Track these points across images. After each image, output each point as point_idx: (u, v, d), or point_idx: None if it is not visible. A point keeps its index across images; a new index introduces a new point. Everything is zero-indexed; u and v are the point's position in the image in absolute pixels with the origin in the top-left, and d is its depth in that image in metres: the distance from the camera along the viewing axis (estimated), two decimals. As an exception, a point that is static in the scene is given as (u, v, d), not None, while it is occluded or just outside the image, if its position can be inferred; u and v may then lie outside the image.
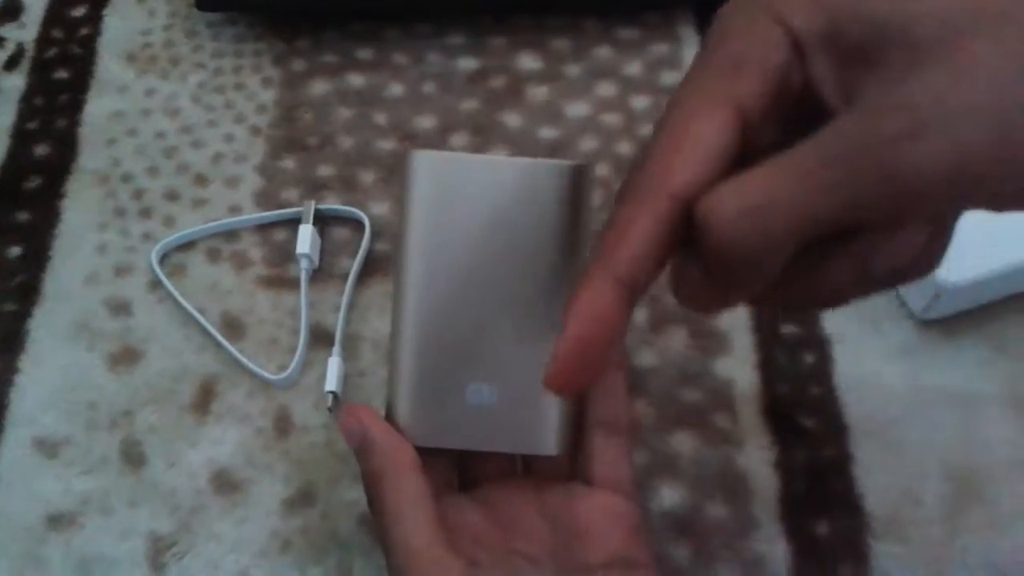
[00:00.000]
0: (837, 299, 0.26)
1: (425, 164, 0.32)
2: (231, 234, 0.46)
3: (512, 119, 0.50)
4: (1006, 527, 0.37)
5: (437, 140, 0.49)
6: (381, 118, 0.50)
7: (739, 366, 0.41)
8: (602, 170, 0.48)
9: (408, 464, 0.32)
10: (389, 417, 0.33)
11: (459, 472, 0.36)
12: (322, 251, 0.46)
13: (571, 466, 0.34)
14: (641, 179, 0.25)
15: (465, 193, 0.32)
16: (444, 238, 0.32)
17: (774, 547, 0.37)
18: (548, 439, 0.33)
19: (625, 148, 0.48)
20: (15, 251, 0.46)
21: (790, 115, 0.25)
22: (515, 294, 0.32)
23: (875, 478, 0.38)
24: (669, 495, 0.38)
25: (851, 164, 0.21)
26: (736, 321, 0.42)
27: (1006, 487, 0.38)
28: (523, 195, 0.32)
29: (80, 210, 0.48)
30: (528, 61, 0.52)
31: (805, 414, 0.40)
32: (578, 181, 0.32)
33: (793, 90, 0.24)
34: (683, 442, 0.39)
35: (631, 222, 0.24)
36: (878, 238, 0.24)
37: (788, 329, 0.42)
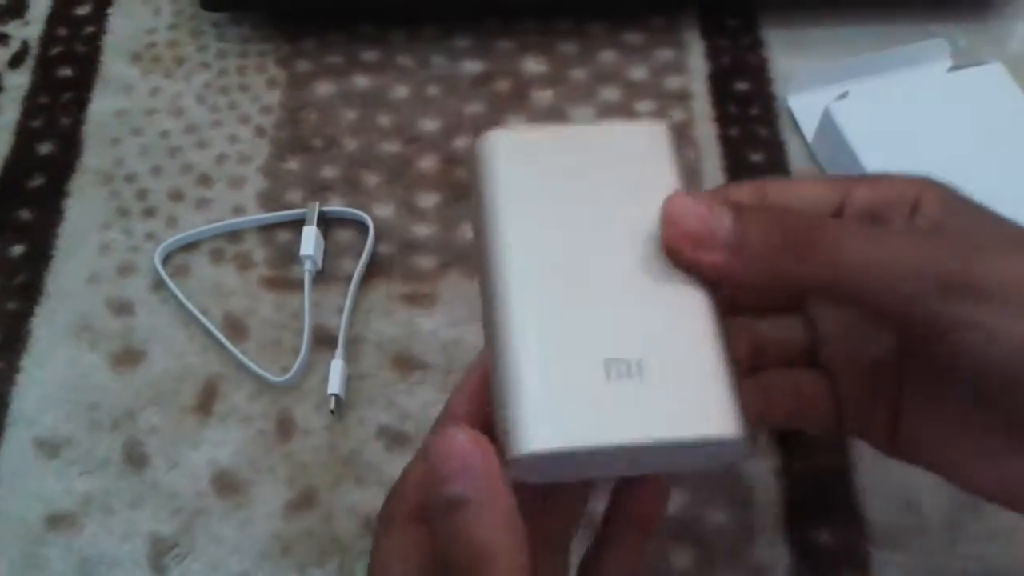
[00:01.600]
0: None
1: (504, 146, 0.28)
2: (234, 235, 0.46)
3: (517, 122, 0.50)
4: (1005, 537, 0.37)
5: (441, 143, 0.49)
6: (386, 120, 0.50)
7: (741, 373, 0.41)
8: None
9: (506, 495, 0.24)
10: (509, 429, 0.24)
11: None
12: (325, 253, 0.46)
13: None
14: None
15: (558, 168, 0.28)
16: (539, 219, 0.27)
17: (775, 554, 0.37)
18: (728, 419, 0.24)
19: (629, 153, 0.48)
20: (17, 249, 0.46)
21: None
22: (633, 262, 0.26)
23: (876, 486, 0.38)
24: (671, 502, 0.38)
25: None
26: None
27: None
28: (627, 160, 0.28)
29: (83, 209, 0.47)
30: (533, 65, 0.52)
31: (807, 422, 0.40)
32: (673, 140, 0.29)
33: None
34: (685, 448, 0.39)
35: None
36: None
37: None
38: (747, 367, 0.31)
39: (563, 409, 0.24)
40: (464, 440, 0.24)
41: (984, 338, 0.23)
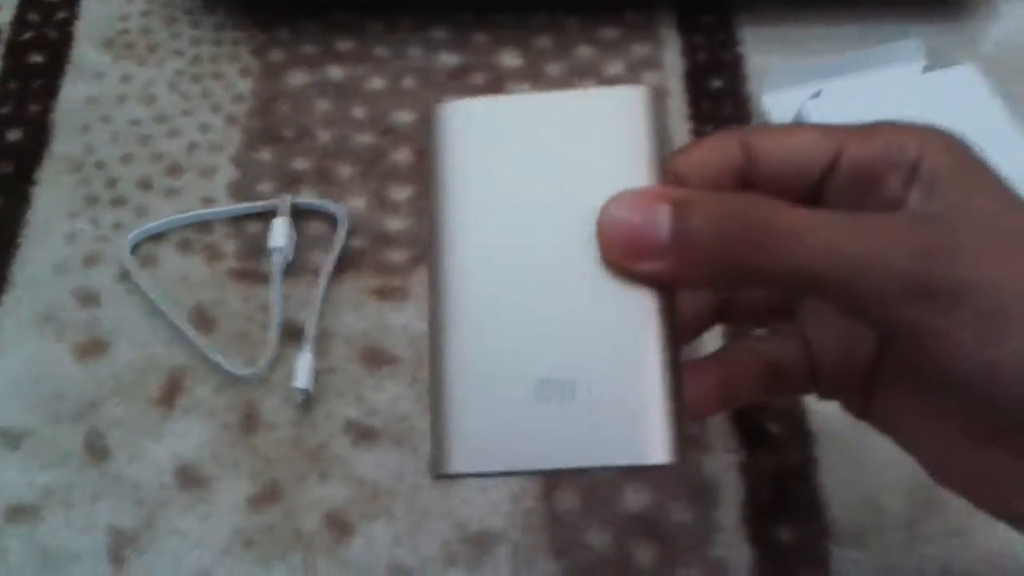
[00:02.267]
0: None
1: (460, 117, 0.26)
2: (204, 225, 0.46)
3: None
4: (965, 536, 0.37)
5: (416, 135, 0.49)
6: (360, 111, 0.50)
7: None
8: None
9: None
10: (436, 442, 0.24)
11: None
12: (296, 245, 0.45)
13: None
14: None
15: (516, 144, 0.26)
16: (489, 206, 0.25)
17: (737, 552, 0.37)
18: (656, 441, 0.23)
19: (603, 148, 0.48)
20: (-16, 238, 0.46)
21: None
22: (592, 259, 0.24)
23: (838, 484, 0.38)
24: (634, 498, 0.38)
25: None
26: (708, 337, 0.42)
27: (969, 497, 0.38)
28: (591, 133, 0.25)
29: (51, 198, 0.47)
30: (509, 58, 0.52)
31: (771, 420, 0.40)
32: (656, 106, 0.26)
33: None
34: (651, 446, 0.39)
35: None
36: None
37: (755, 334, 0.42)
38: (713, 324, 0.31)
39: (488, 432, 0.23)
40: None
41: (947, 348, 0.22)
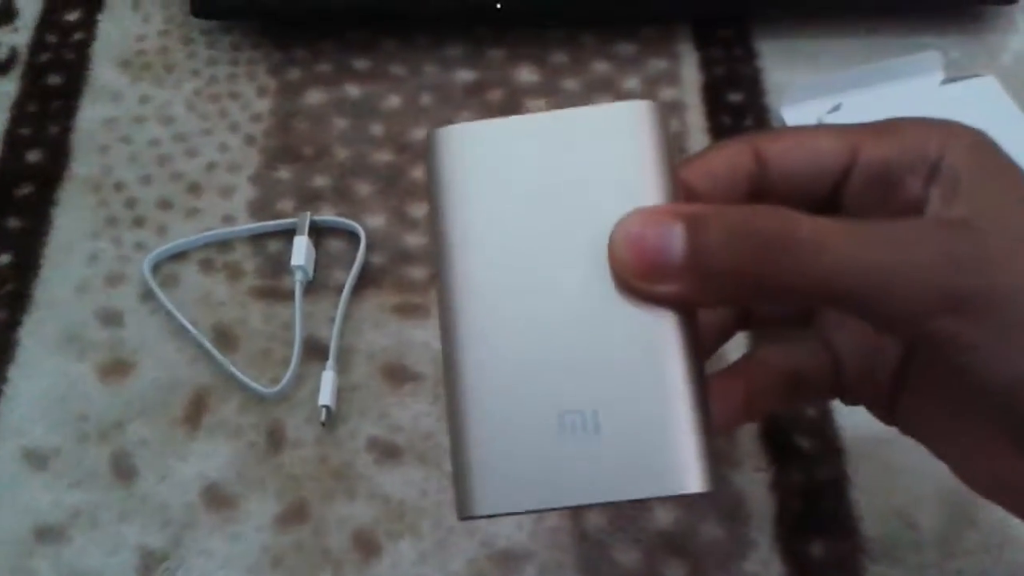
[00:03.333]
0: None
1: (458, 141, 0.25)
2: (224, 244, 0.46)
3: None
4: (1000, 551, 0.37)
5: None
6: (377, 129, 0.50)
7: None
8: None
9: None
10: (459, 484, 0.23)
11: None
12: (316, 263, 0.45)
13: None
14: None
15: (519, 167, 0.24)
16: (493, 232, 0.24)
17: (769, 568, 0.37)
18: (690, 470, 0.22)
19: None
20: (5, 259, 0.46)
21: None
22: (606, 283, 0.23)
23: (871, 500, 0.38)
24: (663, 515, 0.38)
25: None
26: (732, 340, 0.42)
27: (1000, 511, 0.37)
28: (596, 151, 0.24)
29: (72, 218, 0.47)
30: (526, 74, 0.52)
31: (802, 435, 0.40)
32: (663, 120, 0.25)
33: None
34: (678, 461, 0.39)
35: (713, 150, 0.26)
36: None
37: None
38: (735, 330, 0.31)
39: (512, 470, 0.23)
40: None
41: (978, 360, 0.22)
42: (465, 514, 0.23)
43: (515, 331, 0.24)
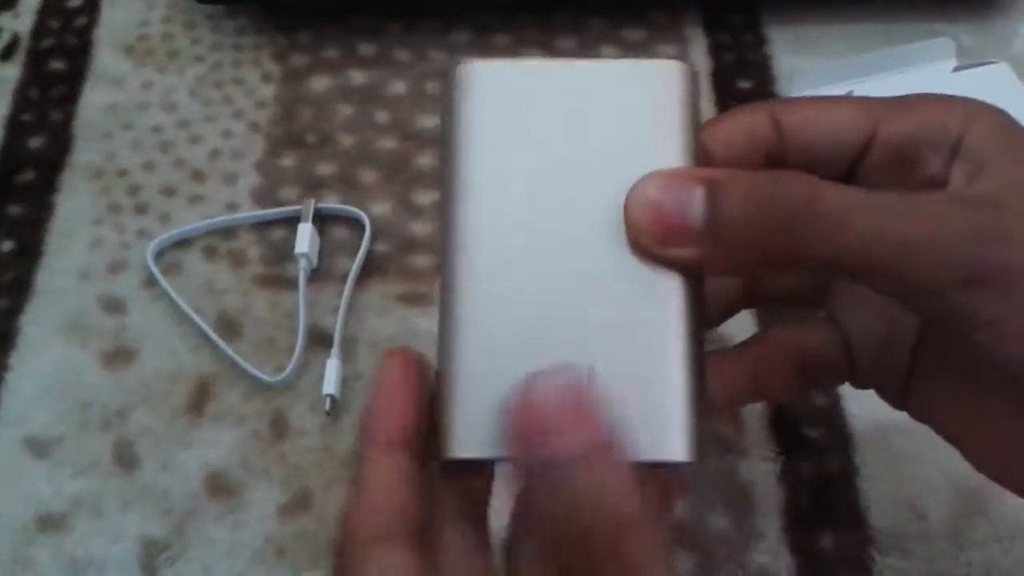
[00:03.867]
0: None
1: (482, 79, 0.24)
2: (228, 232, 0.46)
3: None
4: (1011, 542, 0.36)
5: (439, 139, 0.48)
6: (382, 116, 0.49)
7: (743, 375, 0.41)
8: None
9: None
10: (441, 427, 0.23)
11: None
12: (321, 251, 0.45)
13: None
14: None
15: (541, 112, 0.24)
16: (508, 178, 0.24)
17: (777, 560, 0.36)
18: (675, 439, 0.22)
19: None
20: (7, 245, 0.45)
21: None
22: (615, 240, 0.23)
23: (880, 490, 0.37)
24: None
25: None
26: (740, 328, 0.42)
27: (1010, 501, 0.37)
28: (621, 107, 0.24)
29: (74, 205, 0.47)
30: (532, 60, 0.51)
31: (810, 425, 0.39)
32: (693, 85, 0.24)
33: None
34: (686, 451, 0.39)
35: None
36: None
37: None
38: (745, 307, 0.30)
39: (495, 416, 0.22)
40: (559, 388, 0.20)
41: (1002, 335, 0.21)
42: (441, 455, 0.23)
43: (518, 278, 0.23)
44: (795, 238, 0.21)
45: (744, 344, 0.29)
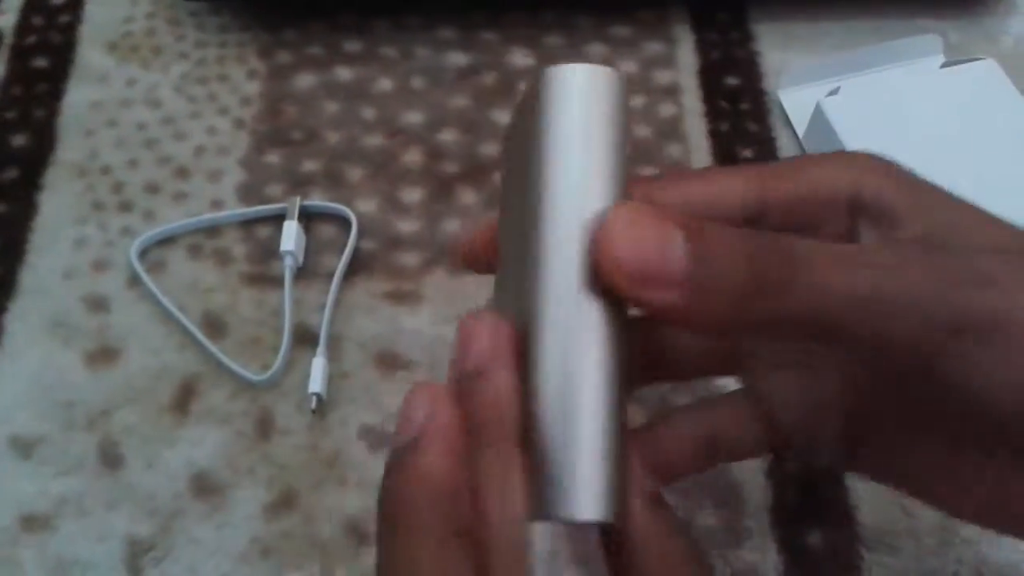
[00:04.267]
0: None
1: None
2: (213, 230, 0.45)
3: (503, 116, 0.49)
4: (998, 539, 0.36)
5: (426, 136, 0.48)
6: (369, 113, 0.49)
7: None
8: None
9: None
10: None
11: None
12: (307, 249, 0.45)
13: None
14: None
15: (516, 126, 0.24)
16: (510, 188, 0.24)
17: (765, 557, 0.36)
18: (587, 497, 0.21)
19: (617, 148, 0.48)
20: (-10, 244, 0.45)
21: None
22: (557, 270, 0.22)
23: (868, 488, 0.37)
24: (659, 503, 0.37)
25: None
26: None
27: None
28: (548, 119, 0.22)
29: (58, 203, 0.46)
30: (520, 57, 0.51)
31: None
32: (623, 93, 0.23)
33: None
34: (674, 449, 0.39)
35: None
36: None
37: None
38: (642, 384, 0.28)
39: None
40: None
41: (987, 381, 0.21)
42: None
43: (507, 304, 0.23)
44: (776, 297, 0.20)
45: (641, 429, 0.27)
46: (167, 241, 0.45)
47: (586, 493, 0.20)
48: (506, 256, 0.25)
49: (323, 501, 0.38)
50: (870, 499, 0.37)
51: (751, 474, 0.38)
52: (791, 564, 0.36)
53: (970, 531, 0.36)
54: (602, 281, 0.21)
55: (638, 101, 0.49)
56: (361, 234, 0.45)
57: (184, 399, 0.40)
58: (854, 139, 0.43)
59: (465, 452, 0.21)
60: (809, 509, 0.37)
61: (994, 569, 0.36)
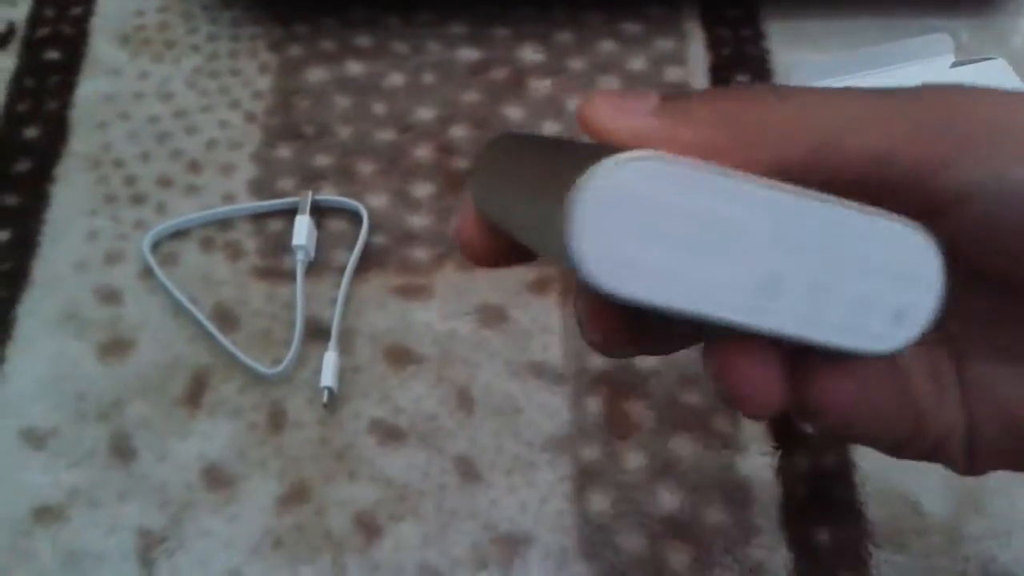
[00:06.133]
0: None
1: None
2: (225, 223, 0.46)
3: (514, 112, 0.49)
4: (1008, 538, 0.36)
5: (437, 131, 0.48)
6: (380, 108, 0.49)
7: (740, 369, 0.41)
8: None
9: None
10: None
11: None
12: (318, 243, 0.45)
13: None
14: None
15: None
16: None
17: (774, 554, 0.36)
18: None
19: (628, 144, 0.48)
20: (3, 236, 0.45)
21: None
22: None
23: (877, 485, 0.38)
24: (668, 499, 0.38)
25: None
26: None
27: (1007, 497, 0.37)
28: None
29: (70, 195, 0.46)
30: (530, 53, 0.51)
31: (807, 420, 0.39)
32: None
33: None
34: (683, 446, 0.39)
35: None
36: None
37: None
38: None
39: None
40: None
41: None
42: None
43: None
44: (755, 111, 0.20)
45: None
46: (179, 234, 0.45)
47: None
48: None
49: (334, 494, 0.38)
50: (879, 497, 0.37)
51: (760, 471, 0.38)
52: (800, 561, 0.36)
53: (979, 529, 0.36)
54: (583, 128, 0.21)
55: (649, 98, 0.49)
56: (372, 229, 0.45)
57: (196, 392, 0.41)
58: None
59: None
60: (818, 506, 0.37)
61: (1002, 567, 0.36)
